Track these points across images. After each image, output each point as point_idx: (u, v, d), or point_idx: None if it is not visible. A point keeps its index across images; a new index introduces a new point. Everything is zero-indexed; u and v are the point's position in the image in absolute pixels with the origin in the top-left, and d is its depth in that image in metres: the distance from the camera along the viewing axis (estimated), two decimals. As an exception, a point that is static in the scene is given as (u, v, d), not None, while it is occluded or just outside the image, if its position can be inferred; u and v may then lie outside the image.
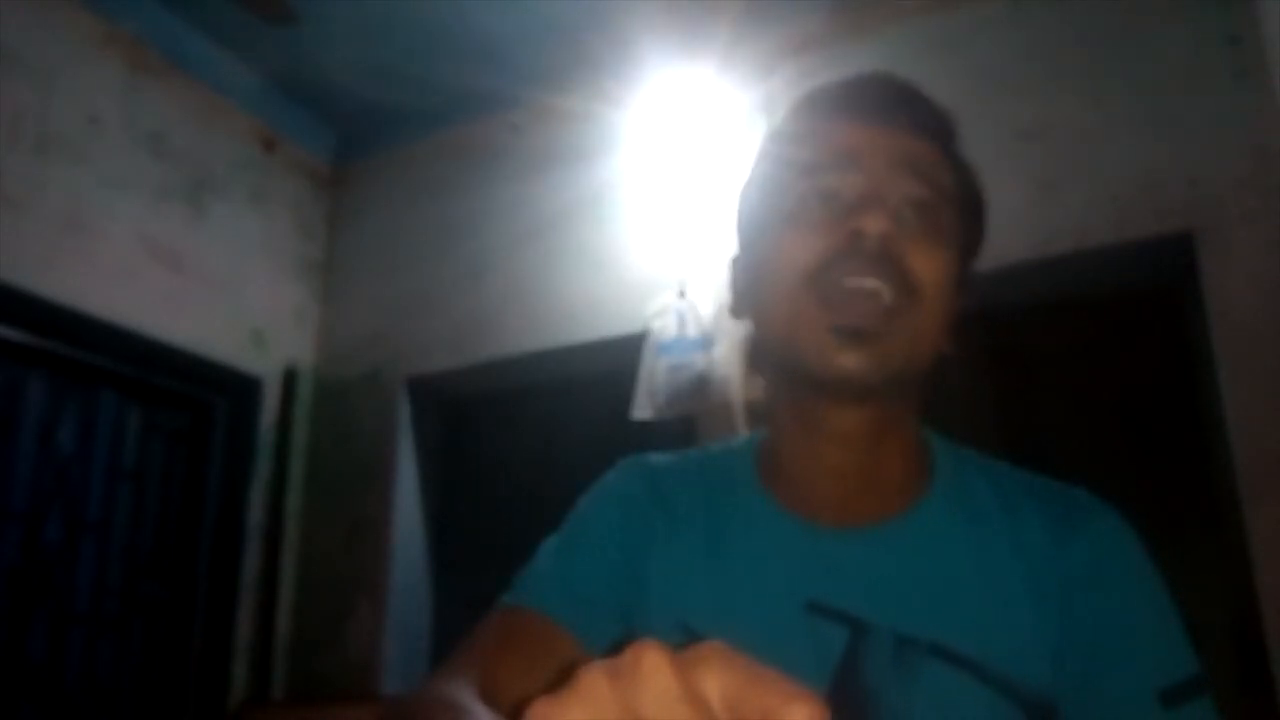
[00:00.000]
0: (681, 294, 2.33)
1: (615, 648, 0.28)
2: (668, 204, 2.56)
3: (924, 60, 2.31)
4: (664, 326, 2.32)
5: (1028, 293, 2.27)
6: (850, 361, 0.64)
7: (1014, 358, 2.91)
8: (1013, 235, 2.09)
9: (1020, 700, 0.62)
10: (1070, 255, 2.07)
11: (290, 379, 2.83)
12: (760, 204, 0.73)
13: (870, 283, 0.63)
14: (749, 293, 0.73)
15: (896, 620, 0.64)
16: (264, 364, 2.76)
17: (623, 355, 2.39)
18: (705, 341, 2.27)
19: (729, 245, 0.78)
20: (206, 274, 2.61)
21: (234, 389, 2.66)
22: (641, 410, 2.27)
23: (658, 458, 0.79)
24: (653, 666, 0.27)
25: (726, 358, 2.30)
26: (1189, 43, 2.06)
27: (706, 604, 0.69)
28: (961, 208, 0.70)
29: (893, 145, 0.67)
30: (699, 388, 2.24)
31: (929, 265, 0.65)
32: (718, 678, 0.27)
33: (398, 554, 2.69)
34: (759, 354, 0.74)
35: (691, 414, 2.31)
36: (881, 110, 0.69)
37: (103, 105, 2.36)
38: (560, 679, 0.28)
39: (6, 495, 2.12)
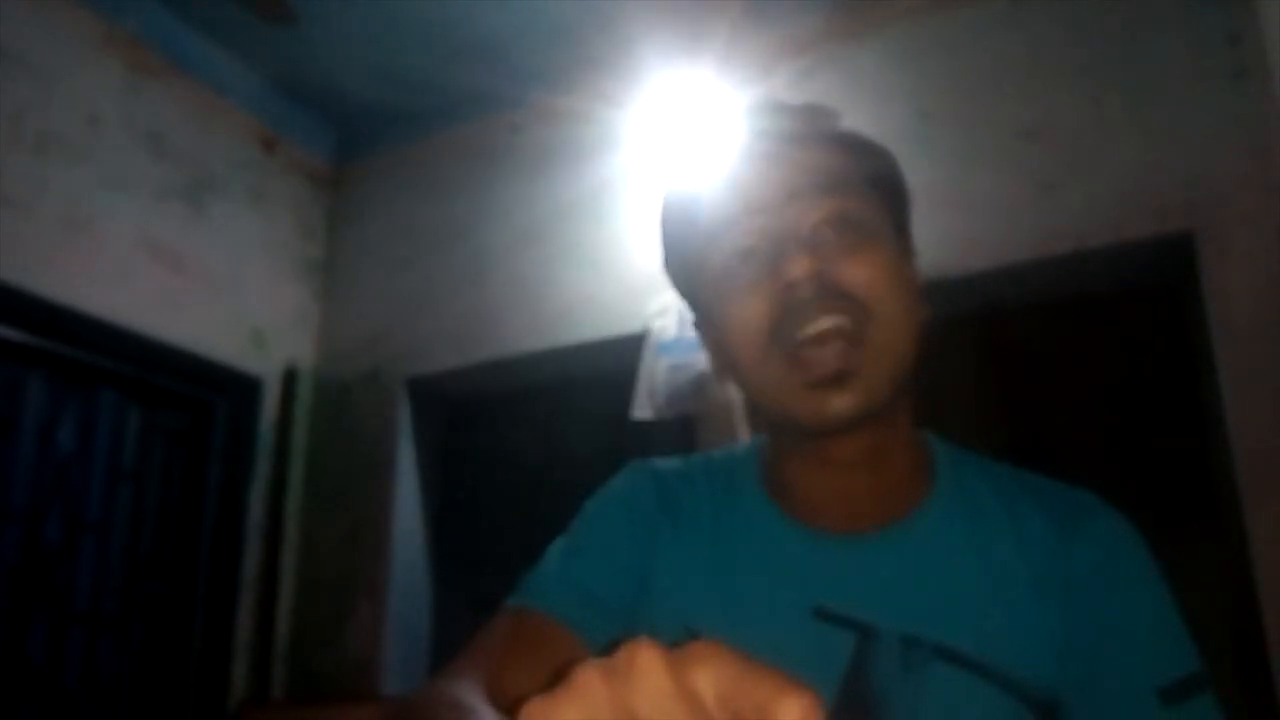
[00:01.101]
0: (682, 294, 2.33)
1: (611, 646, 0.28)
2: (668, 204, 2.56)
3: (924, 60, 2.31)
4: (664, 326, 2.31)
5: (1028, 293, 2.27)
6: (838, 405, 0.64)
7: (1014, 358, 2.91)
8: (1013, 235, 2.09)
9: (1026, 699, 0.63)
10: (1070, 255, 2.07)
11: (290, 379, 2.83)
12: (688, 275, 0.74)
13: (824, 322, 0.64)
14: (723, 362, 0.74)
15: (903, 623, 0.64)
16: (264, 364, 2.76)
17: (623, 355, 2.39)
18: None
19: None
20: (206, 274, 2.61)
21: (234, 389, 2.66)
22: (641, 410, 2.27)
23: (663, 462, 0.80)
24: (647, 664, 0.27)
25: (726, 358, 2.30)
26: (1189, 43, 2.06)
27: (712, 610, 0.69)
28: (874, 182, 0.70)
29: (782, 172, 0.67)
30: (699, 388, 2.24)
31: (865, 273, 0.65)
32: (712, 674, 0.27)
33: (398, 554, 2.69)
34: (753, 410, 0.75)
35: (691, 414, 2.31)
36: (761, 145, 0.69)
37: (103, 105, 2.36)
38: (555, 678, 0.28)
39: (6, 495, 2.12)
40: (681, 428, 2.33)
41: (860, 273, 0.65)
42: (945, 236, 2.03)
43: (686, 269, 0.74)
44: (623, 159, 2.65)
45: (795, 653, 0.63)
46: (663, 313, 2.33)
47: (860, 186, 0.68)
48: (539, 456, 2.73)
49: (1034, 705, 0.63)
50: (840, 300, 0.64)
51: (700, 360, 2.26)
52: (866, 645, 0.64)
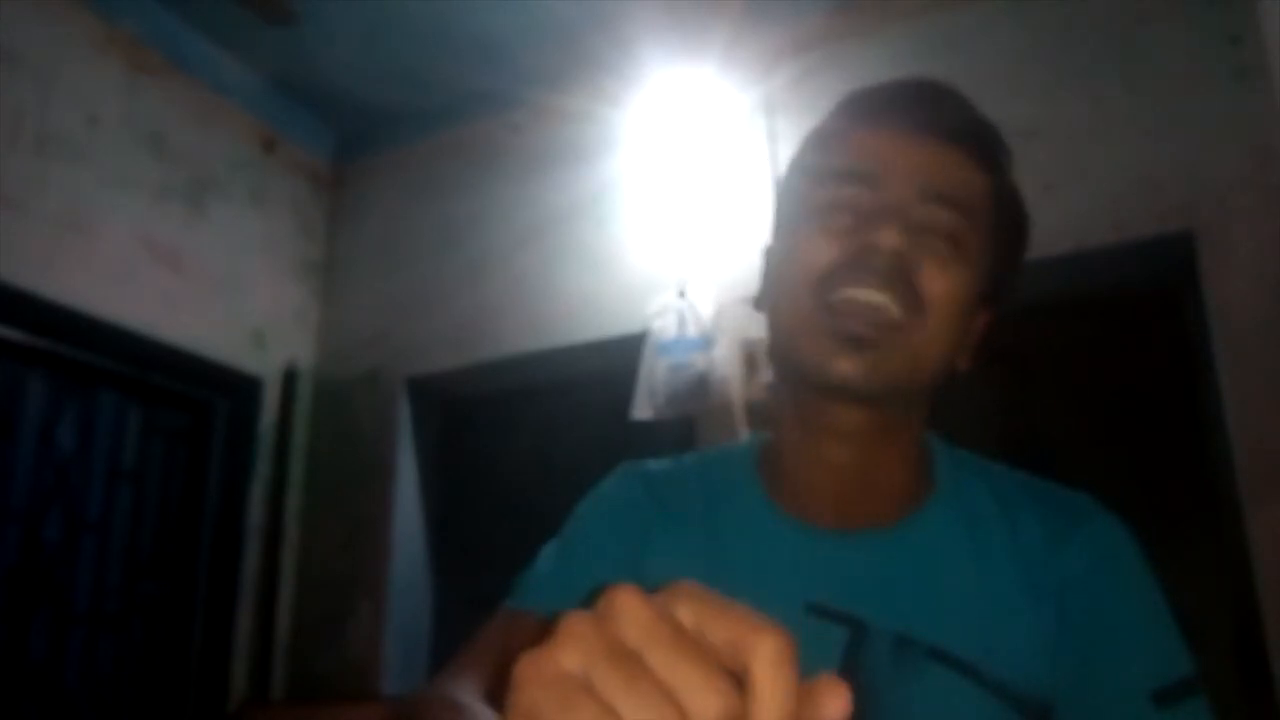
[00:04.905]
0: (681, 294, 2.33)
1: (589, 600, 0.29)
2: (668, 204, 2.56)
3: (924, 60, 2.30)
4: (664, 326, 2.31)
5: (1028, 293, 2.26)
6: (847, 367, 0.64)
7: (1014, 358, 2.91)
8: (1013, 235, 2.09)
9: (1017, 703, 0.63)
10: (1070, 255, 2.07)
11: (290, 379, 2.83)
12: (790, 203, 0.73)
13: (875, 296, 0.63)
14: (770, 287, 0.74)
15: (896, 622, 0.64)
16: (264, 364, 2.76)
17: (623, 355, 2.39)
18: (705, 341, 2.27)
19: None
20: (206, 274, 2.61)
21: (234, 389, 2.66)
22: (641, 410, 2.27)
23: (655, 463, 0.80)
24: (627, 601, 0.28)
25: (726, 358, 2.30)
26: (1189, 43, 2.06)
27: None
28: (994, 221, 0.69)
29: (922, 159, 0.66)
30: (699, 388, 2.24)
31: (942, 284, 0.65)
32: (690, 607, 0.28)
33: (398, 554, 2.69)
34: (770, 347, 0.75)
35: (691, 414, 2.31)
36: (917, 118, 0.68)
37: (103, 105, 2.36)
38: (542, 636, 0.28)
39: (6, 495, 2.12)
40: (681, 428, 2.34)
41: (937, 280, 0.65)
42: (945, 236, 2.03)
43: (795, 188, 0.73)
44: (623, 159, 2.65)
45: None
46: (663, 313, 2.33)
47: (984, 212, 0.68)
48: (539, 456, 2.73)
49: (1025, 710, 0.63)
50: (905, 291, 0.64)
51: (700, 360, 2.26)
52: (859, 642, 0.64)
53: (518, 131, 2.84)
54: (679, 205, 2.53)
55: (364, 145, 3.08)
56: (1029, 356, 2.97)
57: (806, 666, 0.28)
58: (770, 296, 0.73)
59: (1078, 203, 2.08)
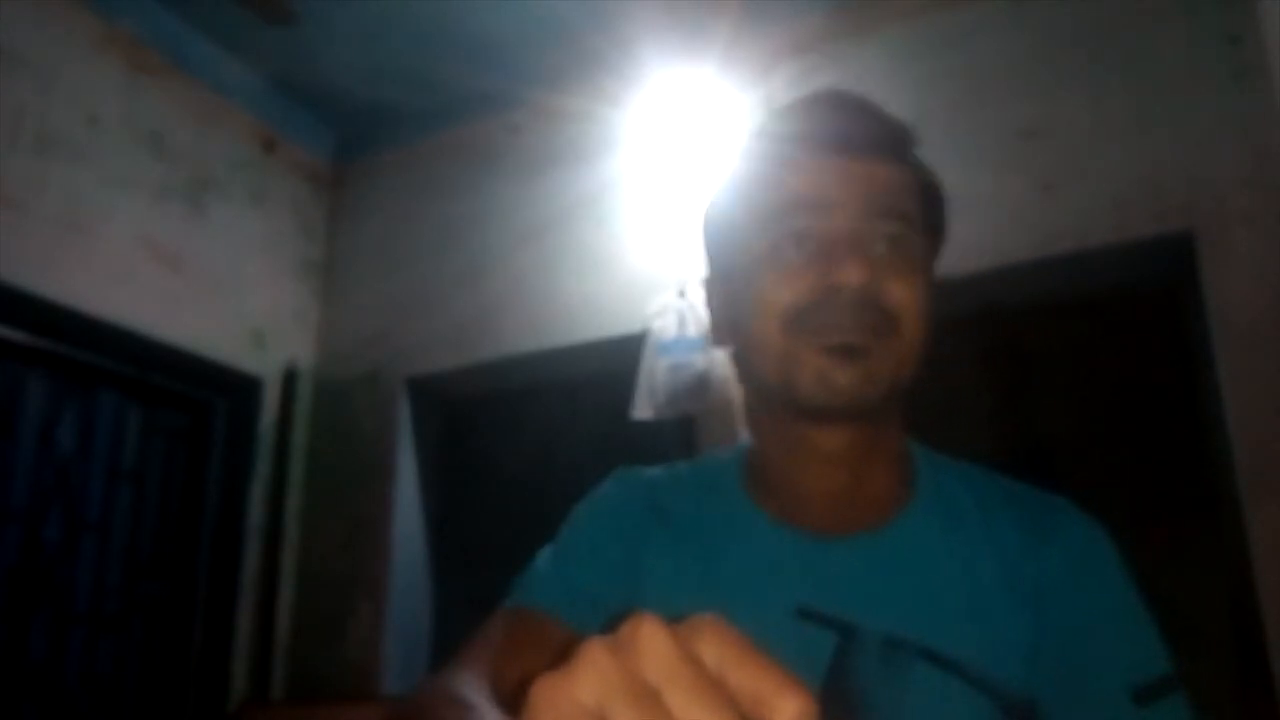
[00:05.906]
0: (681, 294, 2.33)
1: (610, 625, 0.28)
2: (668, 204, 2.56)
3: (924, 60, 2.31)
4: (664, 326, 2.32)
5: (1028, 293, 2.27)
6: (845, 378, 0.65)
7: (1014, 358, 2.91)
8: (1013, 235, 2.09)
9: (1001, 701, 0.63)
10: (1070, 255, 2.07)
11: (290, 379, 2.83)
12: (731, 236, 0.73)
13: (848, 336, 0.65)
14: (728, 325, 0.75)
15: (884, 624, 0.65)
16: (264, 364, 2.76)
17: (623, 355, 2.39)
18: (705, 341, 2.27)
19: (700, 266, 0.79)
20: (206, 274, 2.61)
21: (234, 389, 2.66)
22: (641, 410, 2.27)
23: (650, 470, 0.81)
24: (650, 634, 0.27)
25: (726, 357, 2.30)
26: (1189, 43, 2.06)
27: (696, 612, 0.69)
28: (925, 212, 0.71)
29: (863, 181, 0.67)
30: (699, 388, 2.24)
31: (906, 295, 0.66)
32: (714, 648, 0.28)
33: (398, 554, 2.69)
34: (744, 375, 0.75)
35: (691, 414, 2.31)
36: (846, 138, 0.69)
37: (103, 105, 2.36)
38: (561, 657, 0.28)
39: (6, 495, 2.12)
40: (681, 428, 2.34)
41: (901, 293, 0.66)
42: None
43: (733, 226, 0.73)
44: (623, 159, 2.65)
45: (778, 652, 0.63)
46: (663, 313, 2.33)
47: (920, 218, 0.70)
48: (539, 456, 2.73)
49: (1011, 709, 0.63)
50: (876, 315, 0.65)
51: (700, 360, 2.26)
52: (848, 645, 0.65)
53: (518, 131, 2.85)
54: (679, 205, 2.53)
55: (364, 145, 3.08)
56: (1029, 356, 2.97)
57: (798, 670, 0.28)
58: (732, 334, 0.74)
59: (1078, 203, 2.08)
